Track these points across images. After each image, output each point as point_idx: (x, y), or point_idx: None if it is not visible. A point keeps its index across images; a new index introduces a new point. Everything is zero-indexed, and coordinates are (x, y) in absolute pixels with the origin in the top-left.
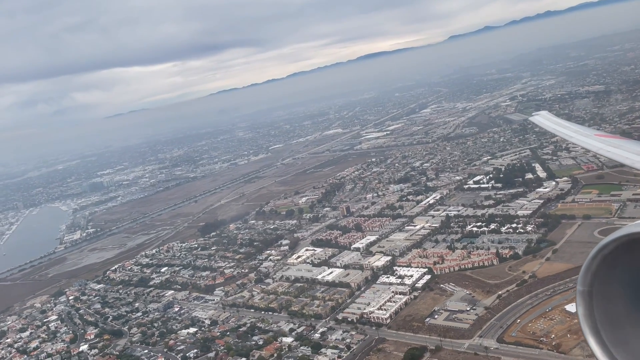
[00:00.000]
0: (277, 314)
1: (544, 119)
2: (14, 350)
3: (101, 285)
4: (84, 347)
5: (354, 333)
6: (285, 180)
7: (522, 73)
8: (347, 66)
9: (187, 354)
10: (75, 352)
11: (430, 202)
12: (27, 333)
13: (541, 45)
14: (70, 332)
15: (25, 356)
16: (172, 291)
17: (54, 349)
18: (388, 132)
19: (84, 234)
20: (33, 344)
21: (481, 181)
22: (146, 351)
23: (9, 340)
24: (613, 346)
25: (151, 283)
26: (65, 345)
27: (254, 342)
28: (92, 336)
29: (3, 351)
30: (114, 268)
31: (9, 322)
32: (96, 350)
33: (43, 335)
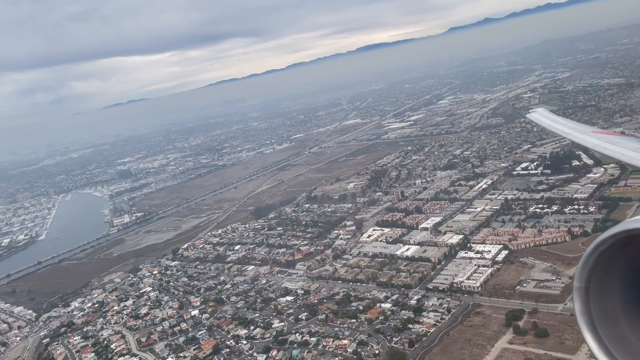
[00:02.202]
0: (365, 284)
1: (540, 116)
2: (125, 315)
3: (176, 262)
4: (194, 312)
5: (449, 299)
6: (320, 167)
7: (533, 65)
8: (347, 57)
9: (298, 316)
10: (188, 317)
11: (483, 187)
12: (130, 302)
13: (547, 37)
14: (175, 300)
15: (140, 320)
16: (253, 266)
17: (165, 314)
18: (411, 122)
19: (133, 218)
20: (143, 311)
21: (529, 167)
22: (257, 314)
23: (116, 308)
24: (610, 342)
25: (228, 260)
26: (174, 311)
27: (354, 307)
28: (198, 303)
29: (115, 317)
30: (185, 246)
31: (95, 295)
32: (207, 315)
33: (148, 304)
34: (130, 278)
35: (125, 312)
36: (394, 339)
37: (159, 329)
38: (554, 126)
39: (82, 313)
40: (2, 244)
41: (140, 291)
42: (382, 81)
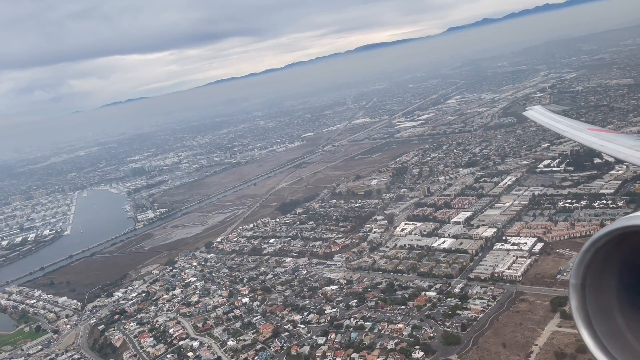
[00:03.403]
0: (406, 275)
1: (537, 114)
2: (176, 303)
3: (212, 255)
4: (245, 300)
5: (492, 288)
6: (337, 165)
7: (537, 66)
8: (346, 57)
9: (349, 303)
10: (239, 304)
11: (508, 183)
12: (178, 291)
13: (548, 38)
14: (224, 288)
15: (192, 307)
16: (291, 258)
17: (215, 302)
18: (422, 121)
19: (157, 213)
20: (193, 299)
21: (551, 165)
22: (307, 302)
23: (166, 296)
24: (605, 338)
25: (264, 252)
26: (225, 299)
27: (400, 296)
28: (246, 292)
29: (167, 305)
30: (219, 240)
31: (136, 286)
32: (257, 302)
33: (197, 292)
34: (168, 270)
35: (175, 300)
36: (445, 323)
37: (212, 315)
38: (551, 124)
39: (131, 302)
40: (29, 239)
41: (185, 281)
42: (384, 80)
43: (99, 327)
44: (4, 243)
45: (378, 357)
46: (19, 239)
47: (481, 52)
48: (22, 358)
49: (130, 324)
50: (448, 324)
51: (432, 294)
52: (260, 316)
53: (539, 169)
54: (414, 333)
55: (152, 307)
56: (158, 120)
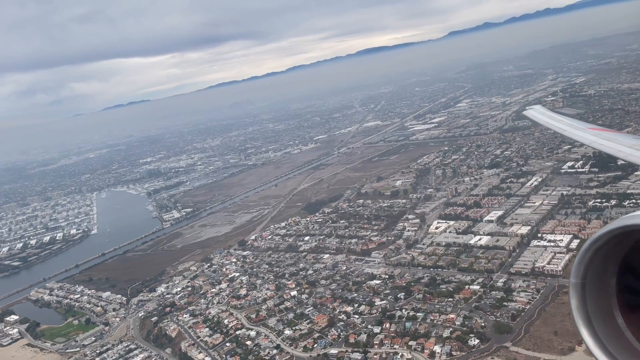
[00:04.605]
0: (446, 270)
1: (537, 113)
2: (226, 296)
3: (247, 252)
4: (293, 293)
5: (534, 281)
6: (355, 167)
7: (543, 70)
8: (347, 60)
9: (397, 296)
10: (288, 297)
11: (534, 184)
12: (224, 285)
13: (552, 42)
14: (270, 282)
15: (242, 300)
16: (328, 255)
17: (264, 295)
18: (435, 124)
19: (183, 213)
20: (241, 292)
21: (575, 166)
22: (355, 295)
23: (213, 290)
24: (605, 337)
25: (301, 249)
26: (273, 292)
27: (444, 289)
28: (293, 285)
29: (217, 297)
30: (253, 237)
31: (177, 282)
32: (306, 295)
33: (244, 286)
34: (206, 266)
35: (223, 294)
36: (494, 313)
37: (264, 307)
38: (551, 123)
39: (178, 296)
40: (57, 238)
41: (229, 276)
42: (390, 84)
43: (152, 319)
44: (32, 242)
45: (435, 344)
46: (46, 238)
47: (484, 56)
48: (78, 348)
49: (183, 316)
50: (497, 314)
51: (475, 287)
52: (311, 308)
53: (563, 170)
54: (466, 323)
55: (202, 300)
56: (164, 123)
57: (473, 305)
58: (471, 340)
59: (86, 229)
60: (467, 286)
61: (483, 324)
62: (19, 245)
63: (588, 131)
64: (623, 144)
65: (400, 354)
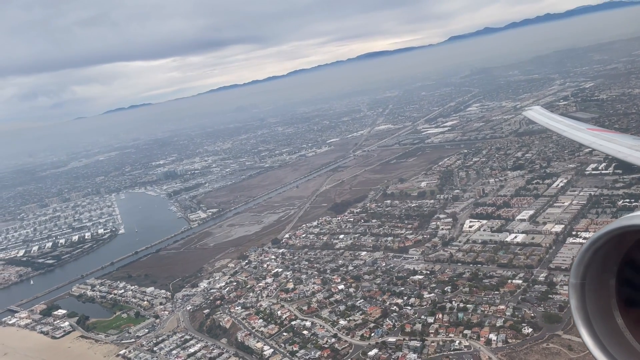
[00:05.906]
0: (486, 266)
1: (537, 114)
2: (274, 290)
3: (283, 250)
4: (340, 287)
5: None
6: (375, 169)
7: (550, 75)
8: (348, 64)
9: (444, 289)
10: (336, 290)
11: (560, 185)
12: (269, 280)
13: (555, 47)
14: (315, 277)
15: (291, 293)
16: (365, 252)
17: (312, 288)
18: (449, 128)
19: (208, 213)
20: (289, 286)
21: (599, 168)
22: (402, 288)
23: (260, 285)
24: (605, 338)
25: (337, 247)
26: (320, 286)
27: (487, 283)
28: (338, 280)
29: (266, 291)
30: (287, 236)
31: (217, 278)
32: (353, 289)
33: (291, 280)
34: (244, 263)
35: (271, 287)
36: (541, 305)
37: (314, 300)
38: (550, 124)
39: (226, 290)
40: (86, 237)
41: (273, 271)
42: (394, 88)
43: (203, 312)
44: (62, 241)
45: (490, 333)
46: (75, 237)
47: (487, 61)
48: (133, 339)
49: (235, 308)
50: (545, 306)
51: (518, 281)
52: (362, 300)
53: (587, 172)
54: (516, 313)
55: (251, 294)
56: (169, 127)
57: (519, 297)
58: (524, 329)
59: (113, 229)
60: (509, 280)
61: (533, 315)
62: (49, 245)
63: (587, 132)
64: (622, 145)
65: (457, 341)
